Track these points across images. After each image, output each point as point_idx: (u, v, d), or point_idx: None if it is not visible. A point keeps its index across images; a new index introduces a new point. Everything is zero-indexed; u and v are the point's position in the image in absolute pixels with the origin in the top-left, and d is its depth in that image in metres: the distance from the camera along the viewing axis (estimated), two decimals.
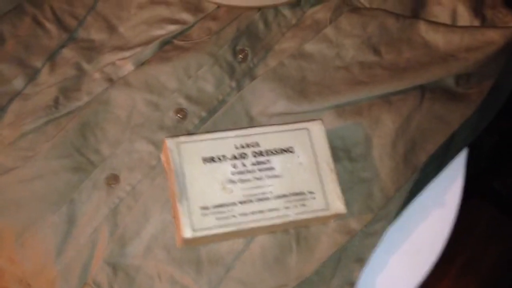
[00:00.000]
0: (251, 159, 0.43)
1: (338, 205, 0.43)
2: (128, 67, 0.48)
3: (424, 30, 0.50)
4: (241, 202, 0.41)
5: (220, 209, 0.41)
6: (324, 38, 0.50)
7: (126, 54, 0.49)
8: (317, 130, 0.45)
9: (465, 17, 0.51)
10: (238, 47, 0.49)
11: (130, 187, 0.44)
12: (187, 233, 0.39)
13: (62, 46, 0.50)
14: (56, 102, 0.47)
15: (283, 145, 0.44)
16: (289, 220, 0.42)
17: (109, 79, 0.48)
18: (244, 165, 0.42)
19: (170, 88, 0.47)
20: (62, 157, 0.44)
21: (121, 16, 0.52)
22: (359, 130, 0.48)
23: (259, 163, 0.43)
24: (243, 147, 0.43)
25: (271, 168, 0.43)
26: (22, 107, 0.46)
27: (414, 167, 0.48)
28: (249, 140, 0.43)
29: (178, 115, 0.47)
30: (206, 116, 0.47)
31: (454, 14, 0.52)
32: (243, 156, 0.43)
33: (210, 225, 0.40)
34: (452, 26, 0.51)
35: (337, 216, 0.44)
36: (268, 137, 0.44)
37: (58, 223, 0.42)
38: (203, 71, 0.48)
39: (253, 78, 0.49)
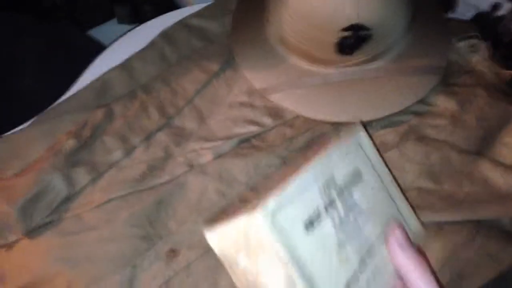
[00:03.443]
0: (339, 202, 0.30)
1: (417, 226, 0.36)
2: (208, 156, 0.55)
3: (486, 168, 0.52)
4: (360, 270, 0.30)
5: None
6: (386, 160, 0.53)
7: (209, 144, 0.56)
8: (364, 138, 0.36)
9: None
10: None
11: (186, 263, 0.50)
12: None
13: (159, 129, 0.58)
14: (142, 177, 0.54)
15: (351, 167, 0.33)
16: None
17: (190, 164, 0.55)
18: (339, 214, 0.30)
19: (239, 181, 0.53)
20: (136, 226, 0.51)
21: (212, 111, 0.60)
22: None
23: (345, 203, 0.31)
24: (325, 188, 0.30)
25: (355, 205, 0.32)
26: (115, 176, 0.55)
27: None
28: (326, 173, 0.31)
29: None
30: None
31: None
32: (332, 201, 0.30)
33: None
34: None
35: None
36: (335, 160, 0.32)
37: (119, 284, 0.49)
38: (270, 170, 0.53)
39: None
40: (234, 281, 0.29)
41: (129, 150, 0.57)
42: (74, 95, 0.61)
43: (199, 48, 0.64)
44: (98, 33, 0.90)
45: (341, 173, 0.31)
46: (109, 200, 0.53)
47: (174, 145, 0.57)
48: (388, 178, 0.35)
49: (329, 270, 0.28)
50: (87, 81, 0.63)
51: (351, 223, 0.30)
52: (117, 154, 0.56)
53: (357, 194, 0.32)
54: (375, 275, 0.31)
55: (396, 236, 0.33)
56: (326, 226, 0.29)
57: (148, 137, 0.58)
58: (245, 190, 0.53)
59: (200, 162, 0.55)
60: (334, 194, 0.30)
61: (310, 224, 0.28)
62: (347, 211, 0.31)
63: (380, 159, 0.35)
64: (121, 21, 0.94)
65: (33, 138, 0.57)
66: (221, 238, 0.28)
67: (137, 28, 0.69)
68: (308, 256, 0.27)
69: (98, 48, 0.81)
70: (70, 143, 0.55)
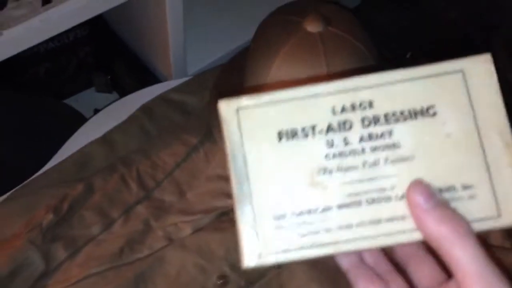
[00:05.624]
0: (359, 131, 0.27)
1: None
2: (187, 230, 0.56)
3: None
4: (340, 206, 0.26)
5: (306, 218, 0.26)
6: None
7: (188, 218, 0.57)
8: (481, 73, 0.27)
9: (497, 237, 0.54)
10: None
11: None
12: (249, 261, 0.27)
13: (138, 202, 0.59)
14: (121, 252, 0.54)
15: (417, 104, 0.27)
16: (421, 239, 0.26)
17: (169, 238, 0.56)
18: (346, 141, 0.27)
19: (218, 255, 0.54)
20: None
21: (191, 184, 0.61)
22: None
23: (372, 137, 0.27)
24: (345, 110, 0.27)
25: (395, 146, 0.27)
26: (93, 251, 0.55)
27: None
28: (356, 97, 0.27)
29: (220, 280, 0.53)
30: (244, 285, 0.53)
31: (487, 232, 0.55)
32: (345, 126, 0.27)
33: (288, 245, 0.26)
34: (485, 244, 0.55)
35: None
36: (389, 91, 0.27)
37: None
38: None
39: None
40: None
41: (107, 224, 0.57)
42: (53, 167, 0.62)
43: (178, 122, 0.66)
44: (75, 101, 0.92)
45: (390, 103, 0.27)
46: (87, 276, 0.53)
47: (154, 218, 0.58)
48: (498, 140, 0.26)
49: (285, 184, 0.27)
50: (67, 154, 0.63)
51: (363, 157, 0.27)
52: (96, 228, 0.56)
53: (405, 133, 0.26)
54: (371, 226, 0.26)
55: (418, 194, 0.25)
56: (313, 144, 0.27)
57: (127, 211, 0.58)
58: (225, 264, 0.54)
59: (179, 236, 0.56)
60: (355, 118, 0.27)
61: (289, 134, 0.27)
62: (365, 142, 0.27)
63: (503, 113, 0.26)
64: (99, 90, 0.96)
65: (10, 212, 0.57)
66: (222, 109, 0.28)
67: (117, 101, 0.71)
68: (262, 162, 0.27)
69: (76, 117, 0.82)
70: (48, 218, 0.55)
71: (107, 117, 0.68)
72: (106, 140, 0.64)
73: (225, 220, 0.57)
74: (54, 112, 0.84)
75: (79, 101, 0.92)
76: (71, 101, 0.92)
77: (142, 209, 0.58)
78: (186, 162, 0.62)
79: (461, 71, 0.27)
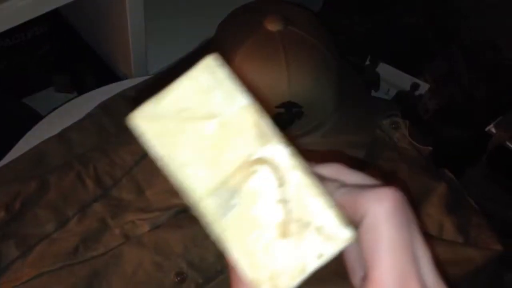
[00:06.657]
0: None
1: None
2: (145, 227, 0.55)
3: None
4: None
5: None
6: None
7: (146, 215, 0.56)
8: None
9: (450, 231, 0.56)
10: None
11: None
12: None
13: (95, 200, 0.58)
14: (75, 250, 0.53)
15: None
16: None
17: (126, 235, 0.55)
18: None
19: (176, 253, 0.53)
20: None
21: (150, 181, 0.60)
22: None
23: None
24: None
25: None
26: (46, 249, 0.53)
27: None
28: None
29: (178, 278, 0.52)
30: (202, 283, 0.52)
31: (440, 227, 0.57)
32: None
33: None
34: (438, 238, 0.56)
35: None
36: None
37: None
38: (208, 242, 0.54)
39: None
40: None
41: (62, 222, 0.55)
42: (6, 164, 0.60)
43: None
44: (33, 100, 0.90)
45: None
46: (39, 275, 0.51)
47: (110, 216, 0.57)
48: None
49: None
50: (22, 151, 0.62)
51: None
52: (49, 227, 0.55)
53: None
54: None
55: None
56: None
57: (83, 209, 0.57)
58: (182, 261, 0.53)
59: (136, 233, 0.55)
60: None
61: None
62: None
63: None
64: (58, 90, 0.94)
65: None
66: None
67: (75, 99, 0.70)
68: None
69: (33, 116, 0.80)
70: (0, 216, 0.53)
71: (64, 115, 0.67)
72: (62, 137, 0.63)
73: (183, 217, 0.57)
74: (10, 110, 0.82)
75: (38, 101, 0.90)
76: (29, 100, 0.90)
77: (99, 207, 0.57)
78: (145, 160, 0.62)
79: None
